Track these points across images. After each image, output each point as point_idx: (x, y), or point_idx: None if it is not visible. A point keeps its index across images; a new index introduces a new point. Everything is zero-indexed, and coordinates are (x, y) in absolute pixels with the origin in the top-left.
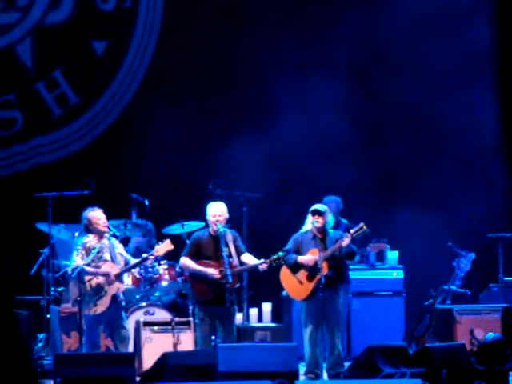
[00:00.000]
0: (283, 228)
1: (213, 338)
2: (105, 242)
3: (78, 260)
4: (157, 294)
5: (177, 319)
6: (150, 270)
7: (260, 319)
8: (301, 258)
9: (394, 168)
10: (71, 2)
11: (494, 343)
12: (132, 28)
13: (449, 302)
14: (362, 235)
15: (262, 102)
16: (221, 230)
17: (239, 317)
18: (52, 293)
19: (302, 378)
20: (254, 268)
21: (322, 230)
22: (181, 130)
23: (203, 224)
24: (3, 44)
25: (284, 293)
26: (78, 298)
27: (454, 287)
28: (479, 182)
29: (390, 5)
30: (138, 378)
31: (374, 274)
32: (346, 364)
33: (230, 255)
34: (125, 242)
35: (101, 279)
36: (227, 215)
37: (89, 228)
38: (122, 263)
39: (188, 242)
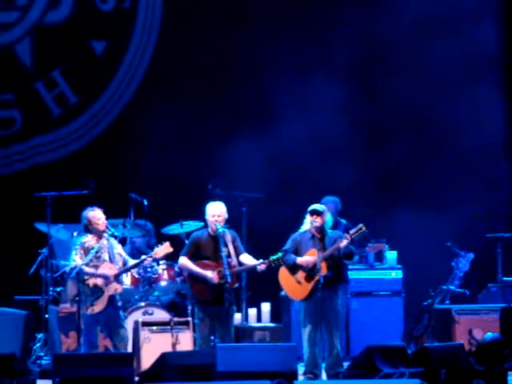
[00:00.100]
0: (282, 228)
1: (212, 338)
2: (104, 242)
3: (76, 260)
4: (156, 293)
5: (175, 319)
6: (148, 270)
7: (259, 319)
8: (300, 260)
9: (394, 168)
10: (70, 1)
11: (492, 343)
12: (131, 28)
13: (447, 301)
14: (360, 236)
15: (262, 102)
16: (220, 230)
17: (238, 317)
18: (51, 293)
19: (300, 378)
20: (253, 268)
21: (321, 230)
22: (180, 129)
23: (202, 224)
24: (2, 43)
25: (283, 293)
26: (76, 298)
27: (452, 287)
28: (479, 182)
29: (390, 5)
30: (136, 378)
31: (373, 274)
32: (345, 364)
33: (228, 255)
34: (123, 242)
35: (99, 279)
36: (226, 215)
37: (88, 228)
38: (121, 263)
39: (187, 241)
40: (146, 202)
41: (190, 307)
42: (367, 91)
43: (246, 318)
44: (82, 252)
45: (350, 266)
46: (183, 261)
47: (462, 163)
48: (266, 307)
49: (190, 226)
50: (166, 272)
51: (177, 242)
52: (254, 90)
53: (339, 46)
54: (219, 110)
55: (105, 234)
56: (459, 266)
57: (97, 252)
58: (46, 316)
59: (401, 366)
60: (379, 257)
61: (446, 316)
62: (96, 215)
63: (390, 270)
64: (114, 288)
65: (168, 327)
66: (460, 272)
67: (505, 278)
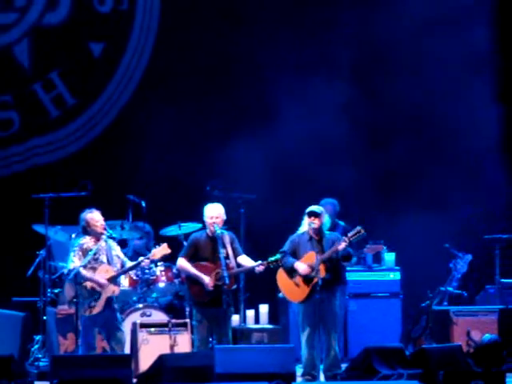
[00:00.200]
0: (281, 229)
1: (210, 339)
2: (102, 243)
3: (74, 261)
4: (154, 295)
5: (173, 321)
6: (146, 271)
7: (257, 321)
8: (297, 265)
9: (394, 168)
10: (68, 3)
11: (490, 345)
12: (129, 30)
13: (445, 303)
14: (359, 239)
15: (261, 103)
16: (218, 231)
17: (236, 318)
18: (48, 294)
19: (298, 379)
20: (251, 270)
21: (319, 232)
22: (178, 130)
23: (200, 225)
24: (0, 44)
25: (281, 294)
26: (74, 300)
27: (450, 289)
28: (478, 183)
29: (390, 5)
30: (134, 380)
31: (371, 275)
32: (343, 365)
33: (227, 257)
34: (121, 244)
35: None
36: (224, 217)
37: (87, 230)
38: (119, 265)
39: (185, 243)
40: (144, 204)
41: (188, 309)
42: (367, 91)
43: (243, 319)
44: (80, 254)
45: (348, 268)
46: (181, 262)
47: (461, 164)
48: (263, 309)
49: (188, 227)
50: (163, 274)
51: (175, 243)
52: (253, 90)
53: (338, 46)
54: (217, 111)
55: (103, 236)
56: (457, 267)
57: (95, 254)
58: (44, 318)
59: (399, 367)
60: (377, 258)
61: (444, 317)
62: (94, 217)
63: (388, 271)
64: (112, 290)
65: (166, 329)
66: (458, 273)
67: (503, 280)
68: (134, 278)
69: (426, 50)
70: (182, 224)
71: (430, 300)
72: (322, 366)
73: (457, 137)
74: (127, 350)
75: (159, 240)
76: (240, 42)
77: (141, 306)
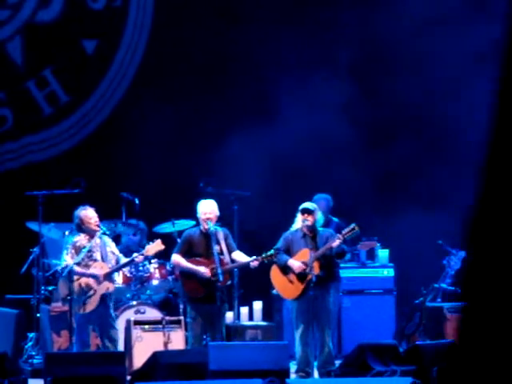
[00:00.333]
0: (275, 227)
1: (204, 336)
2: (96, 240)
3: (68, 259)
4: (147, 292)
5: (167, 318)
6: (140, 268)
7: (251, 318)
8: (291, 263)
9: (394, 168)
10: (61, 0)
11: None
12: (122, 27)
13: (439, 300)
14: (353, 236)
15: (259, 102)
16: (212, 228)
17: (230, 315)
18: (42, 292)
19: (292, 376)
20: (245, 265)
21: (312, 229)
22: (172, 128)
23: (194, 222)
24: None
25: (275, 291)
26: (68, 297)
27: (444, 285)
28: (476, 182)
29: (390, 5)
30: (128, 377)
31: (365, 272)
32: (337, 362)
33: (221, 253)
34: (115, 241)
35: (90, 279)
36: (218, 213)
37: (81, 227)
38: (113, 262)
39: (179, 240)
40: (137, 201)
41: (181, 306)
42: (367, 91)
43: (237, 316)
44: (73, 251)
45: (342, 265)
46: (176, 258)
47: (461, 164)
48: (257, 305)
49: (182, 224)
50: (157, 271)
51: (169, 240)
52: (250, 89)
53: (339, 45)
54: (212, 109)
55: (97, 233)
56: (451, 264)
57: (89, 251)
58: (38, 315)
59: (392, 364)
60: (371, 255)
61: (437, 314)
62: (88, 214)
63: (381, 268)
64: (106, 287)
65: (160, 326)
66: (451, 270)
67: None
68: (128, 275)
69: (426, 49)
70: (176, 221)
71: (423, 297)
72: (315, 363)
73: (457, 136)
74: (121, 347)
75: (153, 237)
76: (237, 39)
77: (134, 303)
